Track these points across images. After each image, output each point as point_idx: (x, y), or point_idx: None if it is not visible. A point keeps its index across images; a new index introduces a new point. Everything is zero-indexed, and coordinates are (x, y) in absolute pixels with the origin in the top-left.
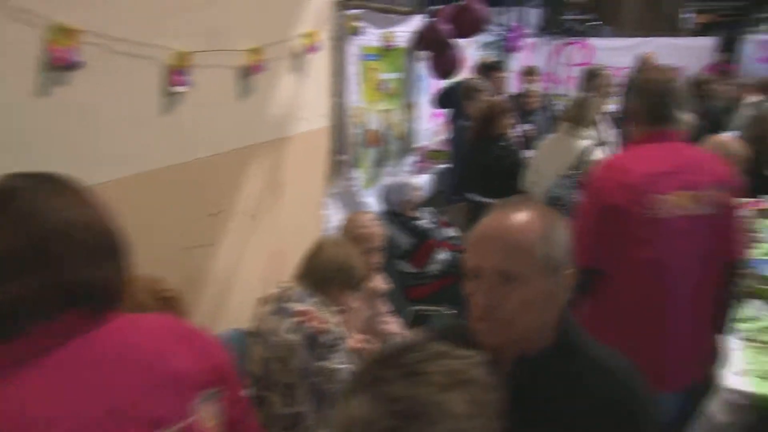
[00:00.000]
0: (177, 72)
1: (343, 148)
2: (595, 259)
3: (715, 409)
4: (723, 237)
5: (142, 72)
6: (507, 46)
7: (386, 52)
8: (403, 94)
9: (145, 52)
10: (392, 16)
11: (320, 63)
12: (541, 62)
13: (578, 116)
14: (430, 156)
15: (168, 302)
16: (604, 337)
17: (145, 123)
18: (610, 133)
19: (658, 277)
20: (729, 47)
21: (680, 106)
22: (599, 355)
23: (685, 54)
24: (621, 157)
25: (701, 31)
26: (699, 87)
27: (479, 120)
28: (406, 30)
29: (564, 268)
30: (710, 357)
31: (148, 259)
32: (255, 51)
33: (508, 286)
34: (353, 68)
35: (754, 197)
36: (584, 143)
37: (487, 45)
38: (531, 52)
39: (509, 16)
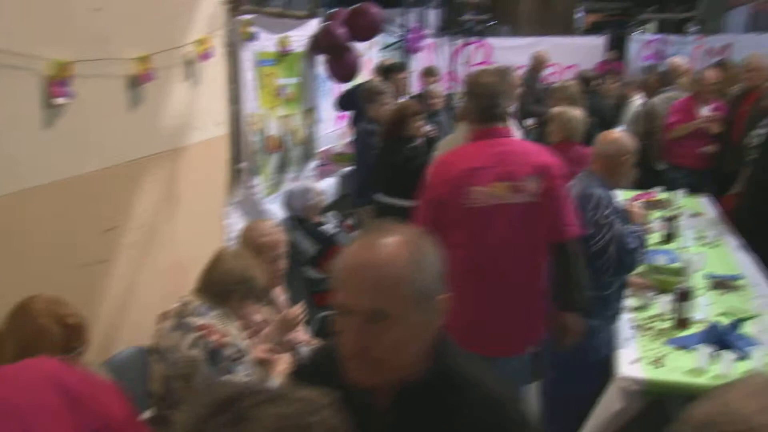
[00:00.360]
0: (57, 83)
1: (243, 156)
2: None
3: (609, 396)
4: (547, 222)
5: (18, 84)
6: (407, 47)
7: (283, 57)
8: (303, 98)
9: (19, 62)
10: (287, 20)
11: (214, 70)
12: (441, 62)
13: None
14: (334, 159)
15: (70, 328)
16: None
17: (25, 137)
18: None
19: (477, 261)
20: (617, 46)
21: (508, 105)
22: (478, 378)
23: (577, 52)
24: (451, 153)
25: (593, 30)
26: (588, 84)
27: (389, 122)
28: (302, 34)
29: (437, 294)
30: (553, 329)
31: (41, 278)
32: (143, 59)
33: (379, 325)
34: (249, 74)
35: (645, 190)
36: None
37: (387, 47)
38: (431, 53)
39: (409, 18)
